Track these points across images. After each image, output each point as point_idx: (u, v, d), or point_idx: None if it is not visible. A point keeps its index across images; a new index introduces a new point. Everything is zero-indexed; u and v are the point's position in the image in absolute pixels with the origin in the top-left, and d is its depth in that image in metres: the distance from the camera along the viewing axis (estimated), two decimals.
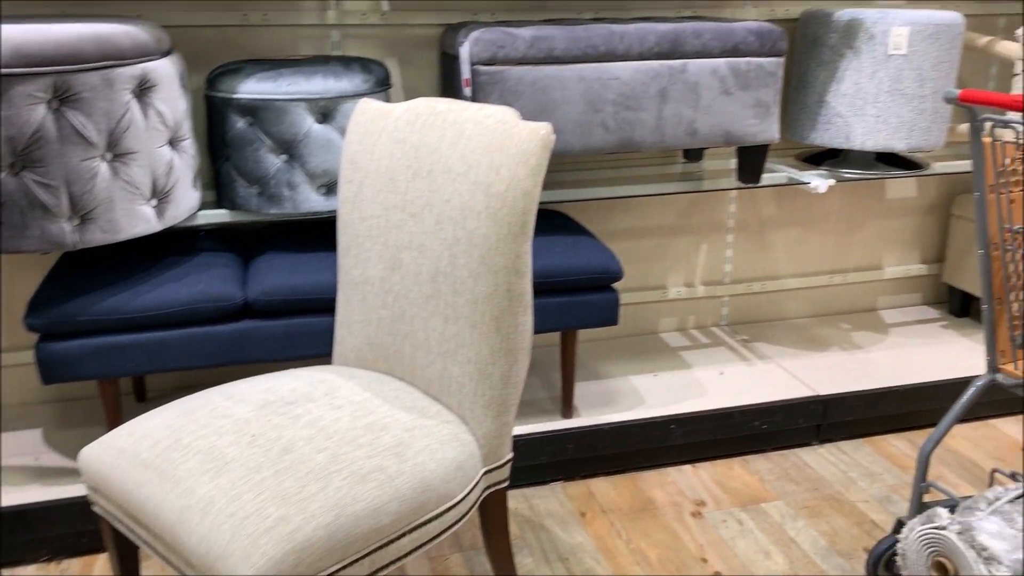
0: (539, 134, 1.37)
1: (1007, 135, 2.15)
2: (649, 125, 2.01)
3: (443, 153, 1.44)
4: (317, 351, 1.86)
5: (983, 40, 2.40)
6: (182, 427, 1.30)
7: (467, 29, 1.93)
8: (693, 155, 2.48)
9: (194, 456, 1.24)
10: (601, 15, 2.31)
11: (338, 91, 1.83)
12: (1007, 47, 2.32)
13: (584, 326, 2.02)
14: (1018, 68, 2.20)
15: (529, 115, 1.91)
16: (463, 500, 1.33)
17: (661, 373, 2.37)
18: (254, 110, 1.81)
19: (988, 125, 1.47)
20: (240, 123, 1.83)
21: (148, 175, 1.71)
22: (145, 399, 2.22)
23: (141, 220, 1.72)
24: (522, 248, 1.36)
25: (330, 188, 1.88)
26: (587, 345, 2.55)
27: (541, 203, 2.22)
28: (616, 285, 2.56)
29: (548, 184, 2.28)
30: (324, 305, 1.85)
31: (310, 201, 1.87)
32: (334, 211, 1.90)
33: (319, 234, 2.11)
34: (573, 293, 1.99)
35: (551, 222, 2.22)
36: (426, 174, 1.45)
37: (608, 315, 2.03)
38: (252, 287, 1.82)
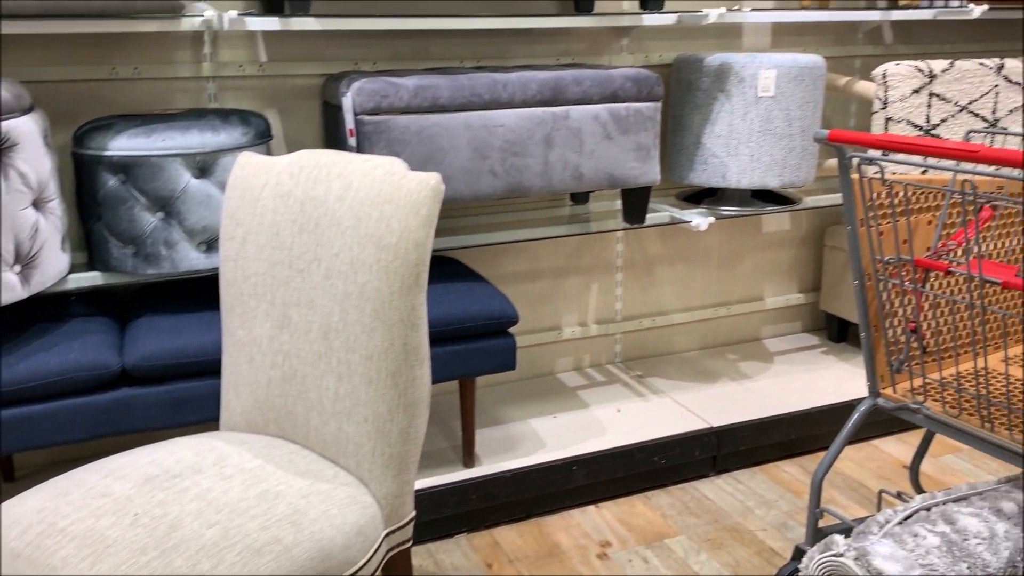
0: (429, 184, 1.36)
1: (873, 171, 2.28)
2: (536, 170, 2.03)
3: (330, 206, 1.41)
4: (203, 417, 1.77)
5: (843, 80, 2.55)
6: (56, 510, 1.21)
7: (349, 79, 1.91)
8: (580, 197, 2.52)
9: (70, 542, 1.14)
10: (483, 64, 2.33)
11: (216, 145, 1.77)
12: (864, 87, 2.47)
13: (482, 373, 2.00)
14: (876, 106, 2.34)
15: (416, 164, 1.90)
16: (365, 565, 1.28)
17: (560, 414, 2.38)
18: (127, 167, 1.73)
19: (855, 162, 1.55)
20: (112, 181, 1.74)
21: (10, 240, 1.60)
22: (13, 479, 2.06)
23: (4, 288, 1.60)
24: (416, 300, 1.34)
25: (211, 245, 1.81)
26: (485, 390, 2.53)
27: (433, 250, 2.20)
28: (512, 329, 2.56)
29: (439, 231, 2.26)
30: (209, 367, 1.76)
31: (190, 259, 1.79)
32: (216, 268, 1.83)
33: (201, 292, 2.03)
34: (470, 340, 1.98)
35: (444, 269, 2.21)
36: (313, 228, 1.41)
37: (506, 360, 2.02)
38: (130, 352, 1.72)
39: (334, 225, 1.39)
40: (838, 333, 2.91)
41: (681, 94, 2.37)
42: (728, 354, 2.82)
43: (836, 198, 2.53)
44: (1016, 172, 1.78)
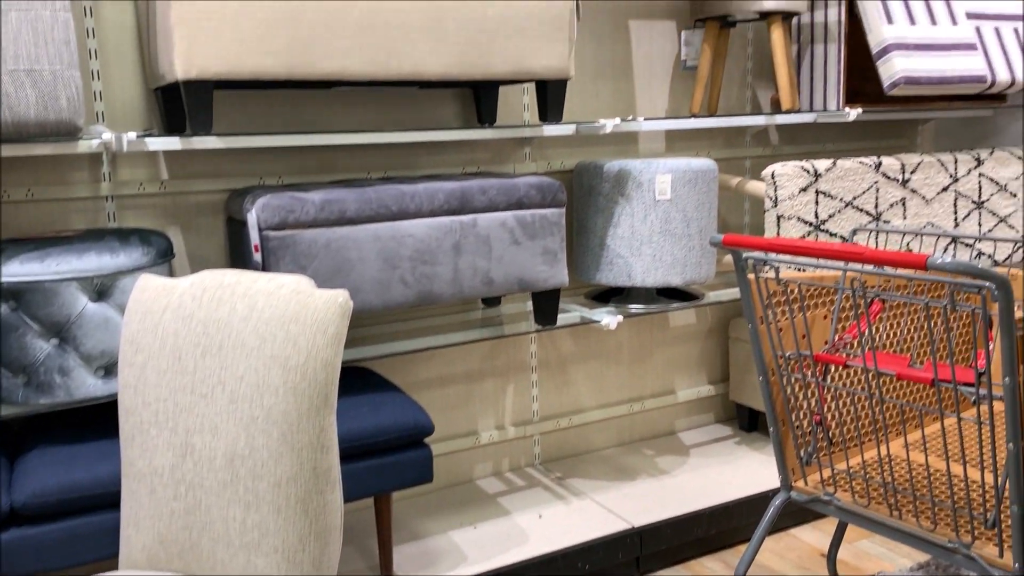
0: (337, 302, 1.35)
1: (768, 271, 2.37)
2: (447, 278, 2.04)
3: (234, 328, 1.38)
4: (101, 555, 1.66)
5: (735, 181, 2.68)
6: None
7: (254, 195, 1.91)
8: (492, 300, 2.54)
9: None
10: (390, 175, 2.36)
11: (115, 267, 1.72)
12: (755, 186, 2.60)
13: (398, 487, 1.95)
14: (767, 205, 2.46)
15: (325, 276, 1.89)
16: None
17: (481, 524, 2.32)
18: (18, 293, 1.66)
19: (750, 263, 1.61)
20: (3, 308, 1.67)
21: None
22: None
23: None
24: (326, 421, 1.31)
25: (109, 370, 1.74)
26: (402, 503, 2.47)
27: (344, 361, 2.16)
28: (428, 438, 2.52)
29: (350, 341, 2.24)
30: (107, 501, 1.67)
31: (87, 386, 1.72)
32: (115, 394, 1.75)
33: (98, 418, 1.93)
34: (384, 454, 1.93)
35: (356, 380, 2.17)
36: (216, 351, 1.38)
37: (422, 472, 1.98)
38: (18, 490, 1.62)
39: (239, 347, 1.36)
40: (749, 423, 2.97)
41: (584, 198, 2.45)
42: (645, 449, 2.84)
43: (737, 292, 2.62)
44: (900, 270, 1.88)
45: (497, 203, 2.08)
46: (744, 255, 1.62)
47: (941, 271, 1.25)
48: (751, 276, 1.65)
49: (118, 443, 1.79)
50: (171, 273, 1.88)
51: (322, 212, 1.89)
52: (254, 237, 1.86)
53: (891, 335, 1.90)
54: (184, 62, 1.70)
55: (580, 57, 2.60)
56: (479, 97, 2.39)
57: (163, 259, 1.83)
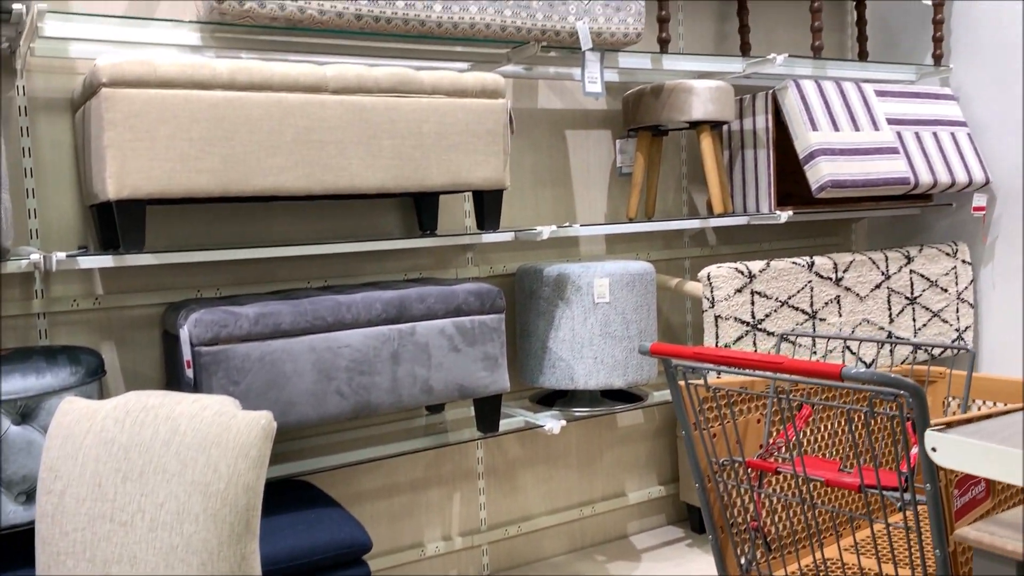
0: (259, 424, 1.33)
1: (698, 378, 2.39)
2: (384, 387, 2.03)
3: (156, 452, 1.36)
4: None
5: (674, 282, 2.73)
6: None
7: (187, 309, 1.90)
8: (435, 407, 2.52)
9: None
10: (330, 283, 2.37)
11: (40, 388, 1.69)
12: (693, 287, 2.65)
13: None
14: (705, 305, 2.50)
15: (259, 391, 1.87)
16: None
17: None
18: None
19: (680, 371, 1.63)
20: None
21: None
22: None
23: None
24: (248, 549, 1.28)
25: (31, 495, 1.68)
26: None
27: (281, 476, 2.12)
28: (371, 552, 2.45)
29: (288, 454, 2.20)
30: None
31: (7, 513, 1.66)
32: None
33: (19, 547, 1.86)
34: (319, 574, 1.87)
35: (290, 495, 2.12)
36: (137, 476, 1.35)
37: None
38: None
39: (160, 472, 1.33)
40: (700, 524, 2.94)
41: (526, 302, 2.47)
42: (597, 555, 2.79)
43: None
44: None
45: (436, 311, 2.10)
46: (674, 363, 1.64)
47: (856, 381, 1.27)
48: (681, 383, 1.67)
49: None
50: (101, 392, 1.84)
51: (256, 325, 1.88)
52: (186, 353, 1.85)
53: (824, 437, 1.92)
54: (116, 182, 1.71)
55: (520, 165, 2.67)
56: (420, 205, 2.44)
57: (92, 378, 1.80)
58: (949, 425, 1.18)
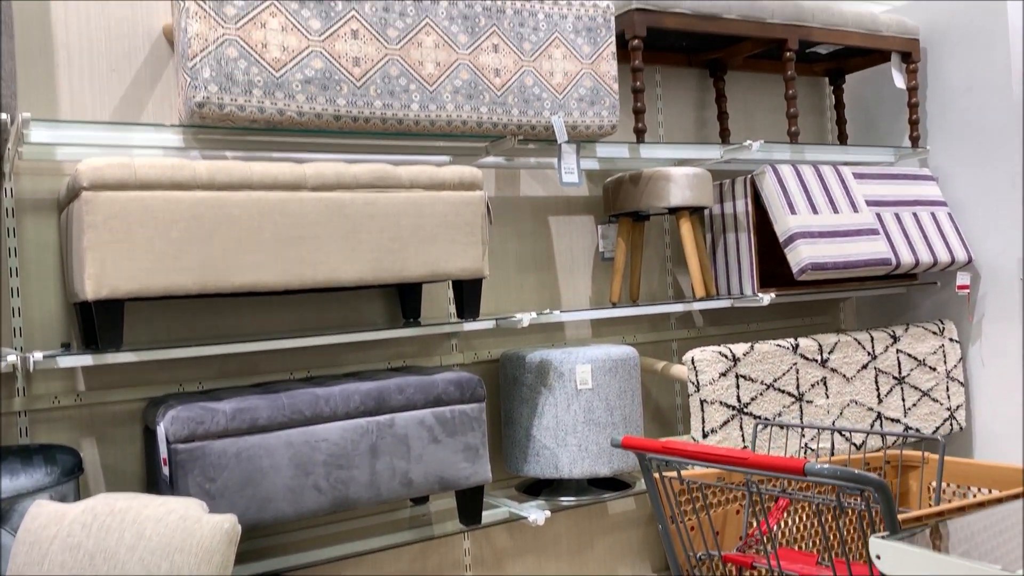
0: (222, 528, 1.33)
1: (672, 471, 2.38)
2: (363, 481, 2.01)
3: (121, 558, 1.35)
4: None
5: (660, 365, 2.73)
6: None
7: (165, 406, 1.90)
8: (419, 498, 2.49)
9: None
10: (313, 374, 2.38)
11: (13, 489, 1.69)
12: (678, 370, 2.65)
13: None
14: (691, 389, 2.50)
15: (235, 487, 1.86)
16: None
17: None
18: None
19: (654, 464, 1.62)
20: None
21: None
22: None
23: None
24: None
25: None
26: None
27: (259, 572, 2.09)
28: None
29: (267, 550, 2.17)
30: None
31: None
32: None
33: None
34: None
35: None
36: None
37: None
38: None
39: None
40: None
41: (509, 388, 2.47)
42: None
43: None
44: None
45: (415, 401, 2.10)
46: (648, 456, 1.63)
47: (819, 476, 1.27)
48: (656, 475, 1.66)
49: None
50: (78, 491, 1.84)
51: (233, 421, 1.88)
52: (163, 450, 1.85)
53: (805, 527, 1.90)
54: (95, 283, 1.74)
55: (503, 251, 2.70)
56: (403, 292, 2.46)
57: (68, 477, 1.80)
58: (920, 519, 1.17)
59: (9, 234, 2.04)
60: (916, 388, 2.89)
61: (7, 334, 2.03)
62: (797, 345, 2.66)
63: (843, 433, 2.67)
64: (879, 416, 2.79)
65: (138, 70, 2.20)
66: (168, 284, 1.82)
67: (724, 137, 3.03)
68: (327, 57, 2.03)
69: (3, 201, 2.03)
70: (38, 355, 1.74)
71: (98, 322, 1.79)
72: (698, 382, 2.49)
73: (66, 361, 1.80)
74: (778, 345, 2.63)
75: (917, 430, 2.88)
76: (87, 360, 1.83)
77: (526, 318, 2.30)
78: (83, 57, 2.13)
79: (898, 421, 2.82)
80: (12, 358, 1.71)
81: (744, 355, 2.55)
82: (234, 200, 1.89)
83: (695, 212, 2.74)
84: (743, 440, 2.50)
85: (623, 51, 2.77)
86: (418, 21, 2.13)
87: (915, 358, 2.90)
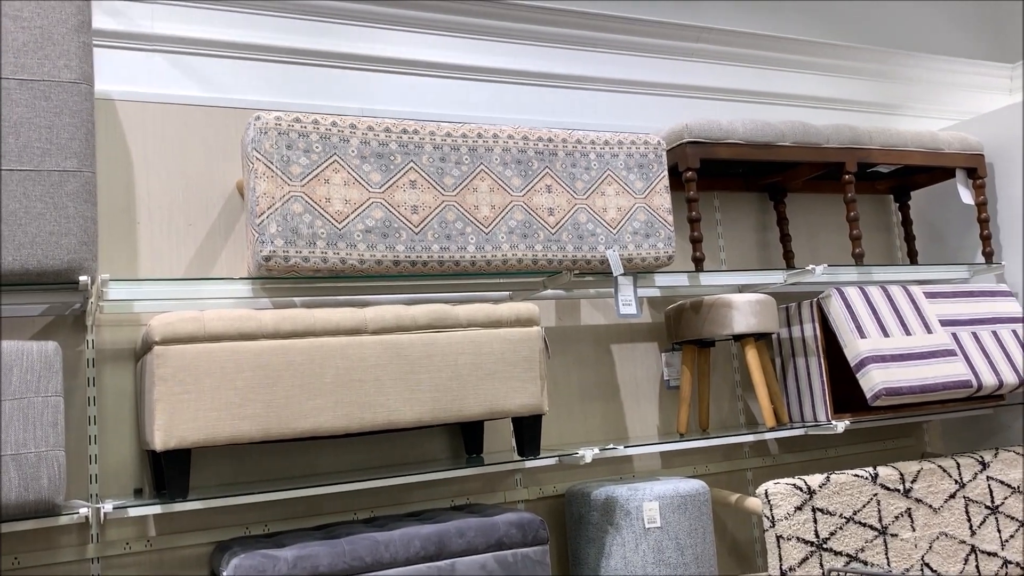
0: None
1: None
2: None
3: None
4: None
5: (733, 498, 2.64)
6: None
7: (230, 553, 1.92)
8: None
9: None
10: (376, 514, 2.38)
11: None
12: (752, 504, 2.55)
13: None
14: (765, 524, 2.40)
15: None
16: None
17: None
18: None
19: None
20: None
21: None
22: None
23: None
24: None
25: None
26: None
27: None
28: None
29: None
30: None
31: None
32: None
33: None
34: None
35: None
36: None
37: None
38: None
39: None
40: None
41: (575, 527, 2.42)
42: None
43: None
44: None
45: (476, 545, 2.07)
46: None
47: None
48: None
49: None
50: None
51: (294, 569, 1.88)
52: None
53: None
54: (163, 434, 1.81)
55: (566, 380, 2.69)
56: (465, 427, 2.46)
57: None
58: None
59: (90, 383, 2.14)
60: (1012, 518, 2.71)
61: (83, 481, 2.10)
62: (876, 475, 2.54)
63: (933, 569, 2.51)
64: (973, 549, 2.61)
65: (213, 222, 2.34)
66: (232, 432, 1.87)
67: (788, 259, 3.00)
68: (387, 207, 2.12)
69: (85, 352, 2.14)
70: (108, 506, 1.79)
71: (166, 472, 1.85)
72: (773, 517, 2.39)
73: (135, 511, 1.85)
74: (856, 475, 2.52)
75: (1018, 564, 2.68)
76: (155, 509, 1.87)
77: (589, 454, 2.26)
78: (162, 212, 2.28)
79: (995, 555, 2.63)
80: (84, 511, 1.76)
81: (820, 487, 2.45)
82: (298, 347, 1.95)
83: (761, 338, 2.69)
84: None
85: (677, 180, 2.80)
86: (473, 168, 2.21)
87: (1008, 485, 2.73)
